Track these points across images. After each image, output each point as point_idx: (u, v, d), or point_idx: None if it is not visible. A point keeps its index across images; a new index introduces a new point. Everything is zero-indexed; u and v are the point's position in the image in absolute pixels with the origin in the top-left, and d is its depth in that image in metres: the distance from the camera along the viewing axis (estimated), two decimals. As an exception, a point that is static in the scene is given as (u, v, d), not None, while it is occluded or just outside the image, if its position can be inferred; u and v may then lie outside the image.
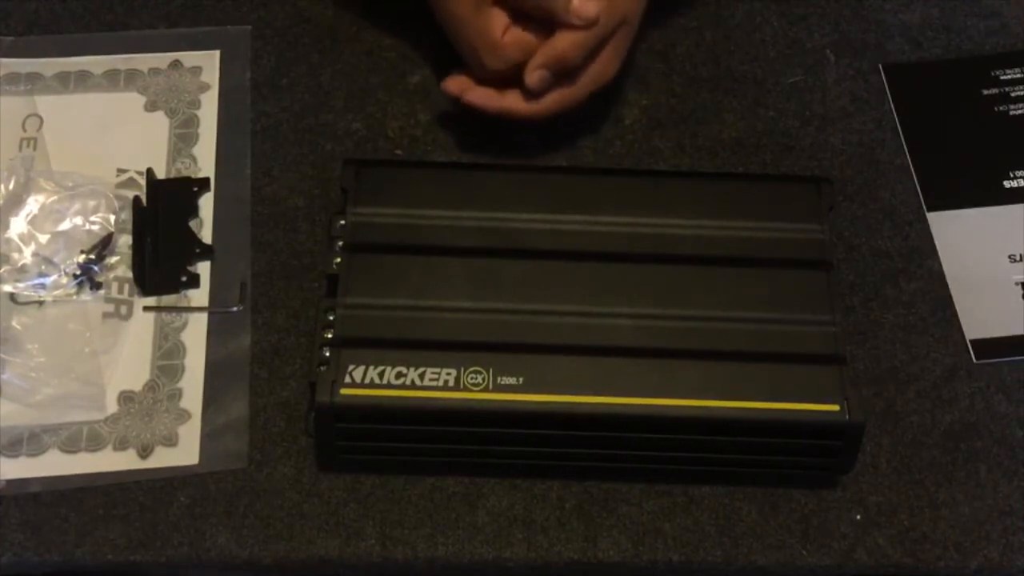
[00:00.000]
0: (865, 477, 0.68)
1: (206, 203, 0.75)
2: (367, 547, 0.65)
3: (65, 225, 0.73)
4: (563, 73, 0.72)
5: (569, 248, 0.67)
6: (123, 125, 0.78)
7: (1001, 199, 0.77)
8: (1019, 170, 0.78)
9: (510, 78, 0.73)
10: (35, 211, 0.73)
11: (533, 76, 0.71)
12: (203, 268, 0.73)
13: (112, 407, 0.69)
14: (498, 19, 0.71)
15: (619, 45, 0.73)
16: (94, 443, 0.68)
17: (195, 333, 0.71)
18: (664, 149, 0.78)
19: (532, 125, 0.75)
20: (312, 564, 0.65)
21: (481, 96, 0.73)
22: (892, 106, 0.81)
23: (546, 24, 0.71)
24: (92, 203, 0.74)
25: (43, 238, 0.73)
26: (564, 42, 0.70)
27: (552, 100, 0.73)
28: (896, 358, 0.72)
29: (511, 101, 0.73)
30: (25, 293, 0.71)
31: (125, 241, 0.73)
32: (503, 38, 0.71)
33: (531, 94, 0.72)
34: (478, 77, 0.74)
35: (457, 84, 0.74)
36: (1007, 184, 0.78)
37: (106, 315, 0.71)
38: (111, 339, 0.70)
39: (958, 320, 0.73)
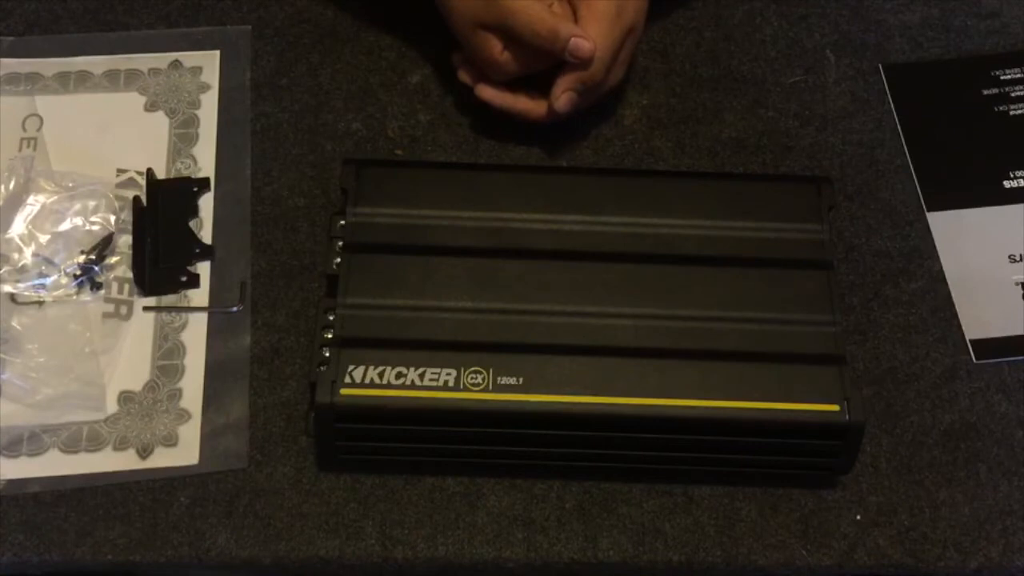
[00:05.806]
0: (865, 477, 0.68)
1: (206, 203, 0.75)
2: (367, 547, 0.65)
3: (65, 225, 0.73)
4: (589, 90, 0.73)
5: (569, 248, 0.67)
6: (123, 125, 0.78)
7: (1001, 199, 0.77)
8: (1019, 170, 0.78)
9: (519, 81, 0.75)
10: (35, 211, 0.73)
11: (562, 100, 0.73)
12: (203, 268, 0.73)
13: (112, 407, 0.69)
14: (493, 41, 0.73)
15: (628, 51, 0.75)
16: (94, 443, 0.68)
17: (195, 333, 0.71)
18: (664, 149, 0.78)
19: (541, 125, 0.76)
20: (312, 564, 0.65)
21: (496, 96, 0.75)
22: (892, 106, 0.81)
23: None
24: (92, 203, 0.74)
25: (43, 238, 0.73)
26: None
27: (564, 104, 0.74)
28: (896, 358, 0.72)
29: (524, 104, 0.75)
30: (25, 293, 0.71)
31: (125, 241, 0.73)
32: (500, 55, 0.73)
33: (555, 112, 0.74)
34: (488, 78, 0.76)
35: (471, 75, 0.76)
36: (1007, 184, 0.78)
37: (106, 315, 0.71)
38: (111, 339, 0.70)
39: (958, 320, 0.73)
